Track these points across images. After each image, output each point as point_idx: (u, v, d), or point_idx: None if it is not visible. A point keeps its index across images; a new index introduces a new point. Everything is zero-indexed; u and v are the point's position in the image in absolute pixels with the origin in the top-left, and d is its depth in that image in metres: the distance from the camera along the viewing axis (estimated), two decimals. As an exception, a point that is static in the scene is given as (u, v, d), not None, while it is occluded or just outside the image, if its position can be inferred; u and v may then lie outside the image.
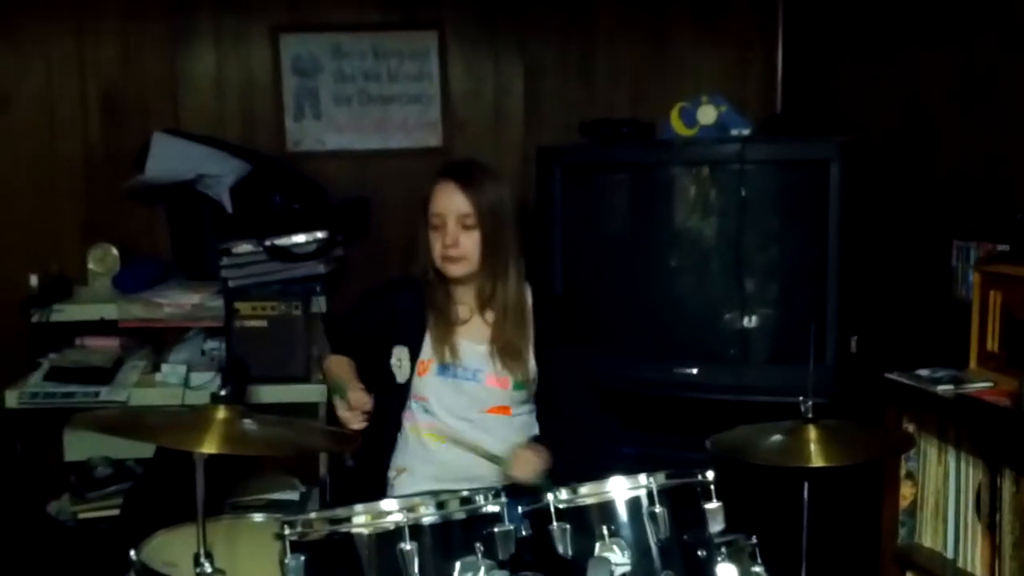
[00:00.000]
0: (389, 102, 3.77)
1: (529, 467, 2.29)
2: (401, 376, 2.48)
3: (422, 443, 2.48)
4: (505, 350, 2.46)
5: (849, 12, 3.41)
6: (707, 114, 3.25)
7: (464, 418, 2.46)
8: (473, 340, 2.48)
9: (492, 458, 2.33)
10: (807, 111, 3.60)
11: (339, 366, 2.48)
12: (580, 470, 2.06)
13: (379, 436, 2.46)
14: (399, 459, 2.51)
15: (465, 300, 2.50)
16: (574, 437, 2.47)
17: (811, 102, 3.63)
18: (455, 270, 2.44)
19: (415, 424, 2.49)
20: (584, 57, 3.81)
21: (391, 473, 2.51)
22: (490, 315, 2.50)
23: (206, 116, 3.69)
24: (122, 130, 3.63)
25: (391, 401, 2.48)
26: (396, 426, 2.51)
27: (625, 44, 3.81)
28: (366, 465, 2.54)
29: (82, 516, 3.31)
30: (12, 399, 3.20)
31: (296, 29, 3.71)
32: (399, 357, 2.47)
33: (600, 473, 1.90)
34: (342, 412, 2.33)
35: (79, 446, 3.51)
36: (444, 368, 2.46)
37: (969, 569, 2.38)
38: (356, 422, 2.30)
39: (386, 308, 2.52)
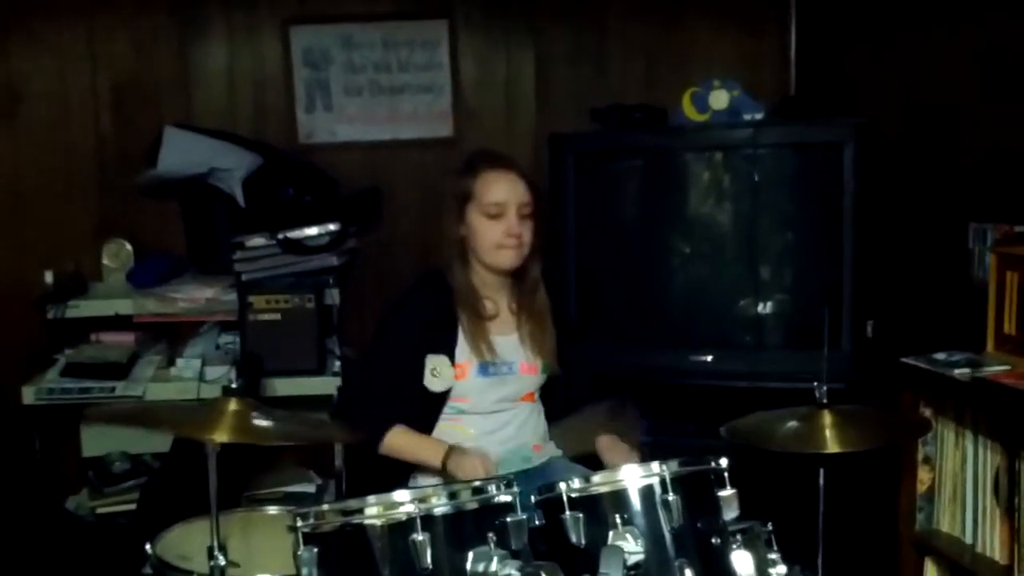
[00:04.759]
0: (400, 92, 3.76)
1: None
2: (440, 385, 2.43)
3: (443, 433, 2.45)
4: (534, 337, 2.49)
5: (862, -8, 3.37)
6: (719, 99, 3.22)
7: (499, 410, 2.48)
8: (505, 332, 2.49)
9: None
10: (821, 93, 3.56)
11: (412, 442, 2.39)
12: None
13: None
14: None
15: (494, 293, 2.50)
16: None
17: (825, 84, 3.60)
18: (511, 260, 2.44)
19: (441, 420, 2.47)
20: (597, 43, 3.78)
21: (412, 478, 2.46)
22: (513, 304, 2.51)
23: (218, 110, 3.69)
24: (134, 125, 3.63)
25: (425, 410, 2.44)
26: (428, 433, 2.45)
27: (638, 29, 3.78)
28: (390, 465, 2.46)
29: (100, 511, 3.33)
30: (29, 395, 3.21)
31: (306, 21, 3.70)
32: (436, 366, 2.42)
33: None
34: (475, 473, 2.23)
35: (96, 441, 3.53)
36: (484, 367, 2.44)
37: (988, 554, 2.35)
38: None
39: (412, 321, 2.45)
